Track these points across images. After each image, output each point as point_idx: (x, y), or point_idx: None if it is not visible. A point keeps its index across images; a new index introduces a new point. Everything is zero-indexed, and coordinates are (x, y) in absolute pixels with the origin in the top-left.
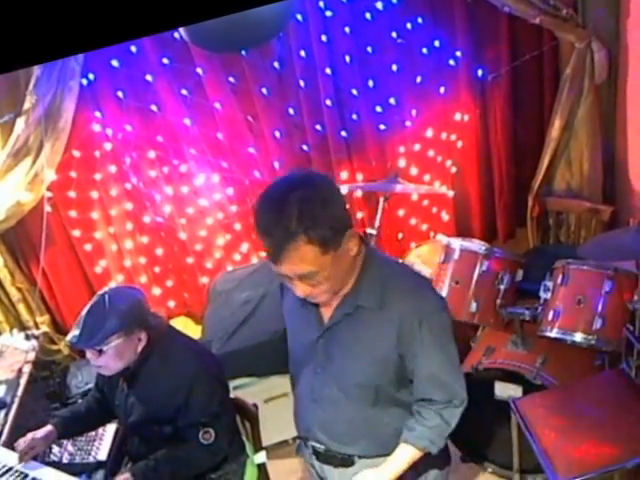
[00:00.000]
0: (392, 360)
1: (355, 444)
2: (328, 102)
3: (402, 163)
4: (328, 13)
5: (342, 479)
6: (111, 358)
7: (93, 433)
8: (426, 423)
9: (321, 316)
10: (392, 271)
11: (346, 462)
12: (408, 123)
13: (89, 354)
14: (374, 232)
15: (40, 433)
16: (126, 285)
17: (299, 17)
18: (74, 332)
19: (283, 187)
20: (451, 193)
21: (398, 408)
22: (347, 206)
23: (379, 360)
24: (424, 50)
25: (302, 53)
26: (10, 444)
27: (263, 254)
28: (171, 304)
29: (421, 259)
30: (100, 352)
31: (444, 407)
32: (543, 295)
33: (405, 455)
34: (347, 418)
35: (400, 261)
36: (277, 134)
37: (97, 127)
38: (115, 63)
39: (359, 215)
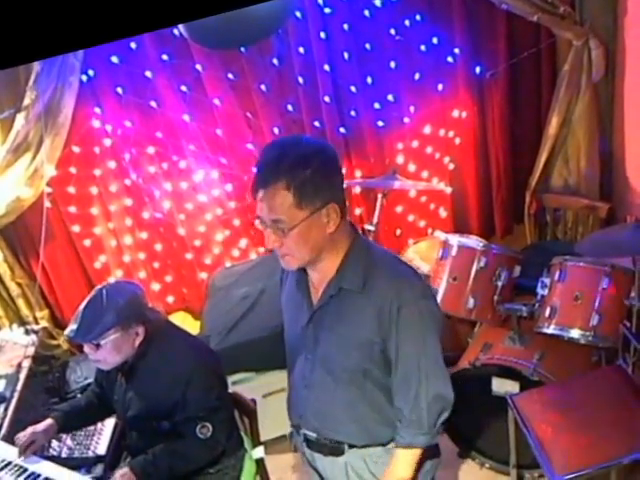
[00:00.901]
0: (376, 344)
1: (344, 431)
2: (327, 99)
3: (400, 160)
4: (327, 10)
5: (332, 468)
6: (108, 352)
7: (92, 428)
8: (403, 422)
9: (312, 302)
10: (378, 258)
11: (336, 451)
12: (406, 120)
13: (87, 348)
14: (372, 228)
15: (40, 427)
16: (124, 280)
17: (298, 14)
18: (72, 326)
19: (299, 139)
20: (449, 190)
21: (386, 396)
22: (343, 190)
23: (363, 343)
24: (422, 47)
25: (301, 50)
26: (9, 438)
27: (262, 250)
28: (170, 299)
29: (419, 255)
30: (98, 346)
31: (411, 406)
32: (540, 291)
33: (399, 455)
34: (336, 403)
35: (389, 251)
36: (276, 130)
37: (97, 123)
38: (115, 59)
39: (357, 211)
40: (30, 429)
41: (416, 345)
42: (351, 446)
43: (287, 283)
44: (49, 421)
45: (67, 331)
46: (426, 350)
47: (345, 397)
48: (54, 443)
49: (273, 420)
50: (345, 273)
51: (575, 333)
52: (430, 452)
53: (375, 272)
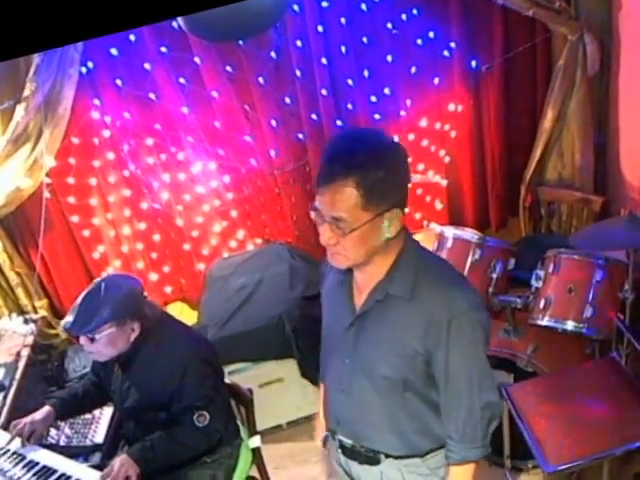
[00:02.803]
0: (420, 354)
1: (381, 439)
2: (324, 92)
3: None
4: (324, 4)
5: (367, 476)
6: (103, 346)
7: (90, 416)
8: (454, 437)
9: (355, 305)
10: (429, 264)
11: (372, 460)
12: (402, 113)
13: (82, 340)
14: None
15: (39, 415)
16: (124, 274)
17: (296, 7)
18: (69, 317)
19: (373, 133)
20: (444, 182)
21: (426, 406)
22: (407, 195)
23: (406, 353)
24: (419, 41)
25: (298, 43)
26: (8, 426)
27: (259, 241)
28: (168, 290)
29: None
30: (93, 340)
31: (464, 420)
32: (535, 284)
33: (455, 473)
34: (374, 411)
35: (439, 256)
36: (273, 123)
37: (96, 114)
38: (114, 51)
39: None
40: (29, 418)
41: (467, 357)
42: (387, 456)
43: (329, 278)
44: (47, 408)
45: (64, 322)
46: (477, 361)
47: (384, 406)
48: (52, 431)
49: (269, 410)
50: (394, 278)
51: (569, 325)
52: None
53: (425, 279)
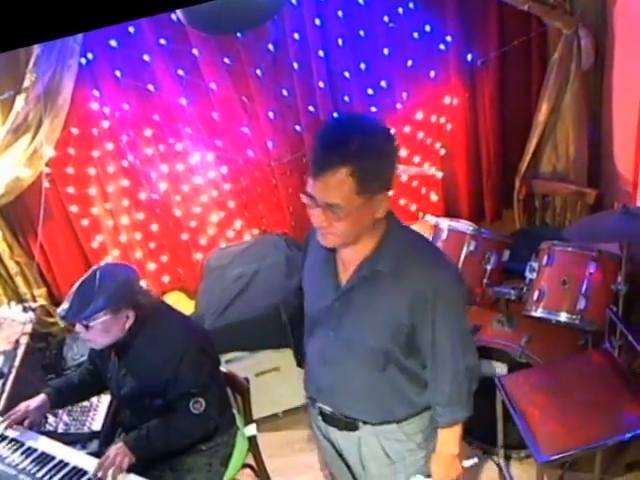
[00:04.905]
0: (404, 327)
1: (361, 408)
2: (321, 84)
3: None
4: None
5: (346, 442)
6: (98, 333)
7: (88, 404)
8: (441, 402)
9: (340, 279)
10: (412, 240)
11: (350, 426)
12: (399, 106)
13: (77, 327)
14: None
15: (34, 403)
16: (120, 262)
17: (293, 1)
18: (64, 305)
19: (365, 120)
20: (440, 174)
21: (405, 376)
22: (394, 177)
23: (391, 326)
24: (415, 34)
25: (296, 36)
26: (6, 414)
27: (256, 231)
28: (165, 279)
29: None
30: (87, 327)
31: (451, 384)
32: (529, 275)
33: (445, 435)
34: (355, 381)
35: (420, 233)
36: (271, 115)
37: (95, 105)
38: (113, 43)
39: None
40: (24, 405)
41: (452, 326)
42: (365, 422)
43: (311, 255)
44: (42, 396)
45: (59, 309)
46: (460, 329)
47: (366, 377)
48: (50, 419)
49: (265, 398)
50: (382, 255)
51: (562, 316)
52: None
53: (409, 255)
